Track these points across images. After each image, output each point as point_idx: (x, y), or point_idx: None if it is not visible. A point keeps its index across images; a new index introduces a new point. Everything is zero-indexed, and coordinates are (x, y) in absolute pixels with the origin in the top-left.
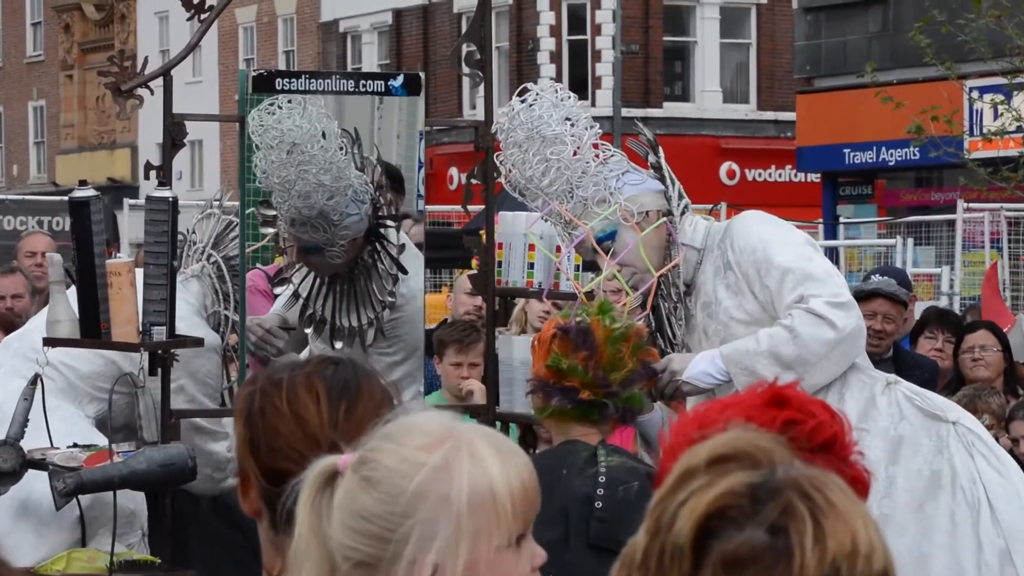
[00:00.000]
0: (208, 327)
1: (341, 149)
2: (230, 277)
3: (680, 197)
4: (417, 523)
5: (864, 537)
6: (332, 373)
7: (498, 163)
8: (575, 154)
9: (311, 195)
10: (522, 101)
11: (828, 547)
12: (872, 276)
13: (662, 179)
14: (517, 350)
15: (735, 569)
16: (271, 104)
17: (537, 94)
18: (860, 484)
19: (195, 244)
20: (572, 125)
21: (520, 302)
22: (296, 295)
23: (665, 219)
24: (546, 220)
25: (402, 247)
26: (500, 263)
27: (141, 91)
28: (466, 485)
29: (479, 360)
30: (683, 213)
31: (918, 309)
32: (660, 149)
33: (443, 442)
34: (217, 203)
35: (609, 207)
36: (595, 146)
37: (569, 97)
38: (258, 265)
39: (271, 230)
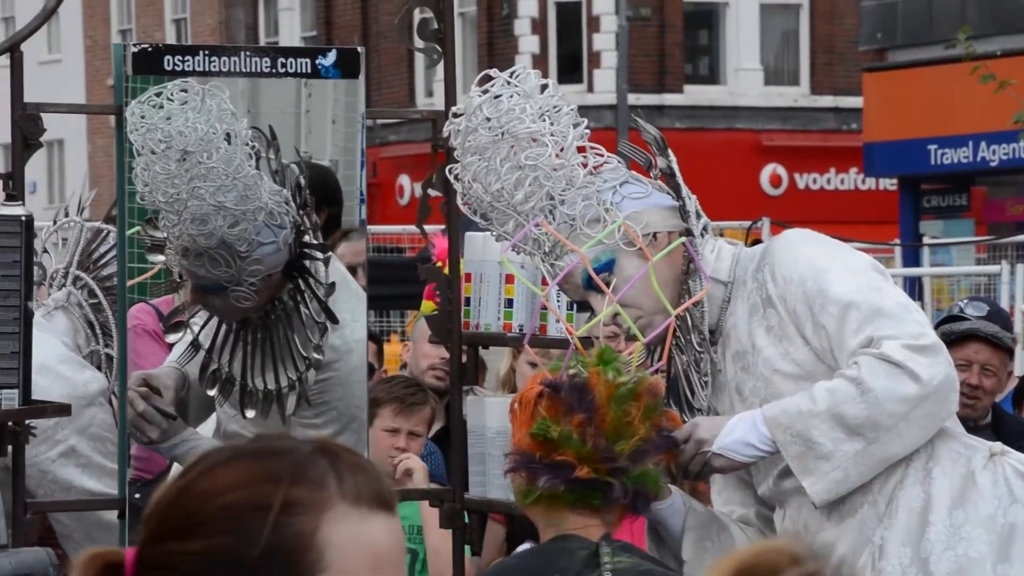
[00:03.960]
0: (90, 366)
1: (251, 158)
2: (108, 305)
3: (698, 215)
4: None
5: None
6: None
7: (451, 179)
8: (557, 159)
9: (208, 220)
10: (484, 92)
11: None
12: (961, 309)
13: (675, 191)
14: (491, 415)
15: None
16: (158, 95)
17: (506, 82)
18: None
19: (55, 267)
20: (552, 124)
21: (506, 355)
22: (195, 345)
23: (683, 240)
24: (518, 251)
25: (332, 286)
26: (468, 300)
27: None
28: None
29: (422, 429)
30: (702, 235)
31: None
32: (670, 151)
33: None
34: (79, 210)
35: (605, 228)
36: (582, 149)
37: (546, 85)
38: (146, 299)
39: (160, 258)
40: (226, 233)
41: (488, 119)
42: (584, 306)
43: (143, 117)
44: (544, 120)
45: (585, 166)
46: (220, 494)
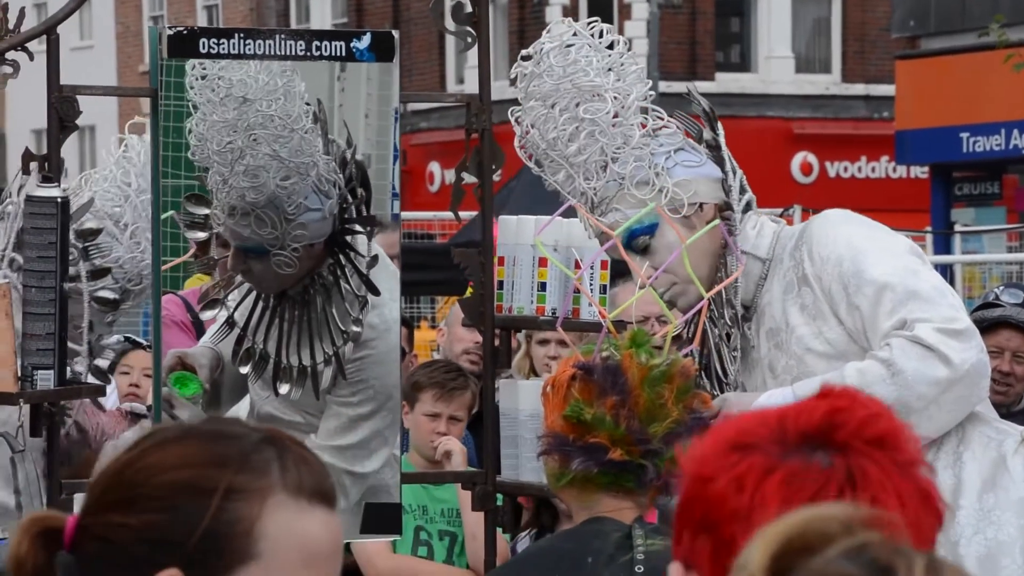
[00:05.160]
0: None
1: (308, 115)
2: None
3: (742, 191)
4: None
5: None
6: None
7: (513, 121)
8: (615, 117)
9: (261, 172)
10: (555, 39)
11: None
12: (997, 296)
13: (720, 164)
14: (524, 398)
15: None
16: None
17: (576, 32)
18: (930, 501)
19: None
20: (617, 79)
21: (523, 341)
22: (230, 322)
23: (717, 223)
24: (565, 199)
25: (374, 259)
26: (501, 284)
27: (15, 55)
28: None
29: (462, 414)
30: (745, 211)
31: None
32: (720, 125)
33: None
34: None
35: (652, 190)
36: (643, 111)
37: (617, 42)
38: (171, 290)
39: (200, 235)
40: (277, 186)
41: (554, 67)
42: (622, 273)
43: (204, 71)
44: (608, 76)
45: (643, 127)
46: (165, 471)
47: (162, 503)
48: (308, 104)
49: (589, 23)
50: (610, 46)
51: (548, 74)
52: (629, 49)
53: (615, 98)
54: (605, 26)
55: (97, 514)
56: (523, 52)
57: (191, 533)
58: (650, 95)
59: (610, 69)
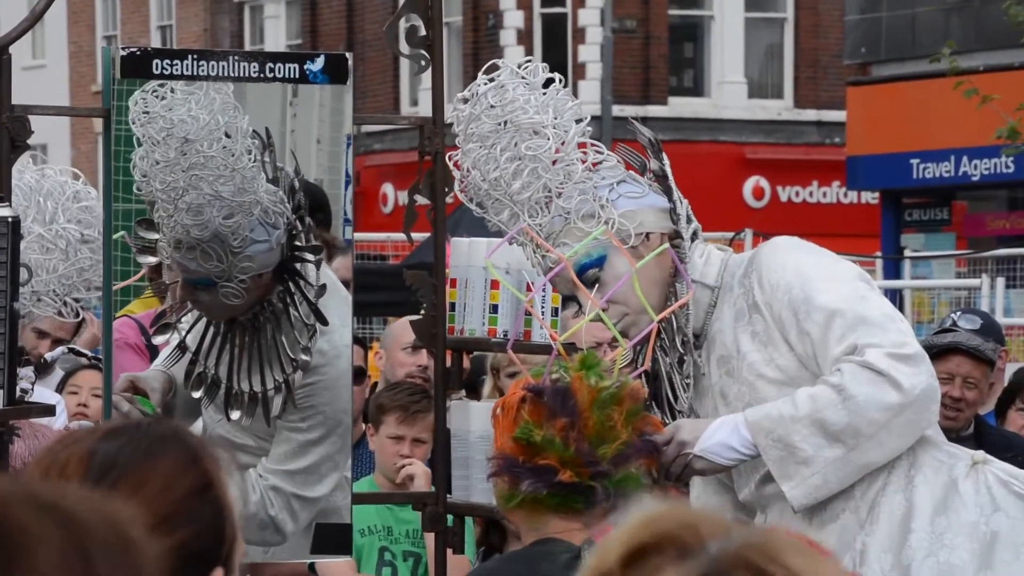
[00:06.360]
0: None
1: (250, 153)
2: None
3: (688, 220)
4: None
5: None
6: (101, 452)
7: (450, 165)
8: (557, 152)
9: (204, 210)
10: (490, 80)
11: None
12: (954, 321)
13: (667, 193)
14: (475, 420)
15: None
16: (161, 86)
17: (511, 71)
18: None
19: None
20: (556, 117)
21: (488, 378)
22: (182, 347)
23: (666, 247)
24: (514, 242)
25: (322, 288)
26: (453, 306)
27: None
28: None
29: (426, 436)
30: (692, 239)
31: (1008, 371)
32: (664, 155)
33: None
34: None
35: (598, 223)
36: (582, 146)
37: (551, 81)
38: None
39: (151, 259)
40: (221, 224)
41: (492, 107)
42: (573, 300)
43: (146, 107)
44: (547, 112)
45: (584, 162)
46: None
47: None
48: (255, 136)
49: (523, 63)
50: (546, 84)
51: (486, 114)
52: (564, 86)
53: (555, 134)
54: (540, 64)
55: None
56: (459, 95)
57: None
58: (588, 130)
59: (547, 107)
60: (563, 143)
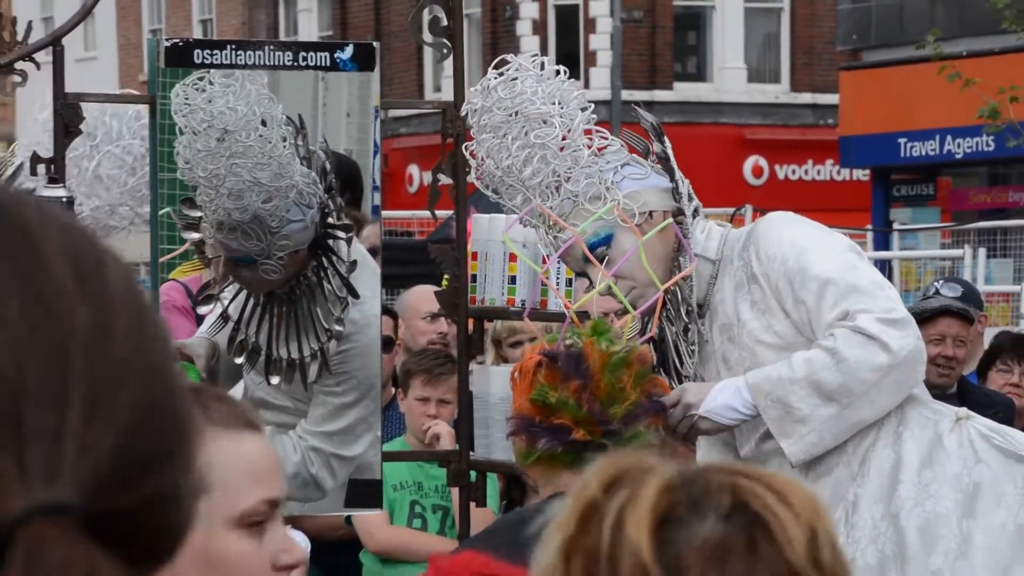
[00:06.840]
0: None
1: (284, 140)
2: None
3: (689, 198)
4: None
5: (818, 501)
6: None
7: (466, 154)
8: (564, 140)
9: (244, 195)
10: (500, 75)
11: (798, 512)
12: (937, 290)
13: (669, 174)
14: (495, 383)
15: (719, 559)
16: (200, 79)
17: (519, 66)
18: None
19: None
20: (562, 107)
21: (489, 349)
22: (224, 317)
23: (671, 221)
24: (526, 224)
25: (353, 264)
26: (475, 277)
27: (23, 65)
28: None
29: (451, 397)
30: (694, 217)
31: (988, 335)
32: (666, 138)
33: None
34: None
35: (605, 205)
36: (588, 132)
37: (558, 73)
38: (171, 277)
39: (194, 235)
40: (260, 208)
41: (503, 99)
42: (584, 277)
43: (187, 99)
44: (554, 103)
45: (589, 148)
46: None
47: None
48: (289, 122)
49: (531, 57)
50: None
51: (497, 107)
52: (569, 78)
53: (562, 123)
54: (546, 58)
55: None
56: (471, 89)
57: None
58: (592, 118)
59: (554, 98)
60: (569, 131)
